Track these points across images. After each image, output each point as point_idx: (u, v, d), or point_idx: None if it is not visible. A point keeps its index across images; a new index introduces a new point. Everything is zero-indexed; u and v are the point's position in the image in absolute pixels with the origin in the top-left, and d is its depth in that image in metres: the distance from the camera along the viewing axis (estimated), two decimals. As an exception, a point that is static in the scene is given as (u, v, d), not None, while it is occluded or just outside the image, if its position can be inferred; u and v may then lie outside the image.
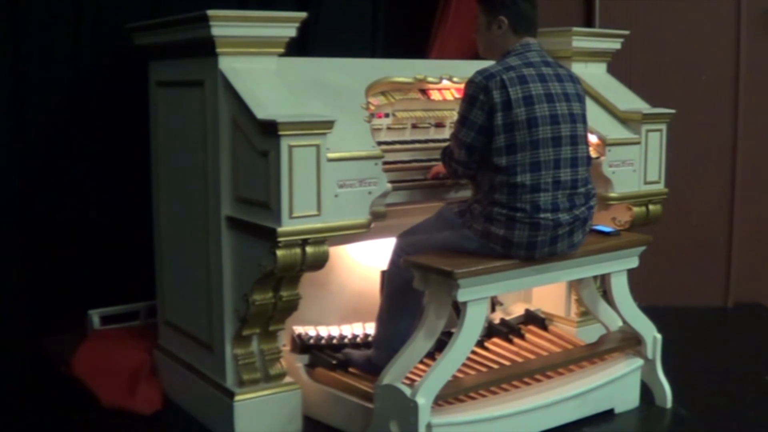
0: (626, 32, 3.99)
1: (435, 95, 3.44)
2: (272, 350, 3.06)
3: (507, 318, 3.69)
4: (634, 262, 3.28)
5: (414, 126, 3.43)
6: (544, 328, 3.65)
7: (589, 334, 3.68)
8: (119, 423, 3.21)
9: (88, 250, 3.72)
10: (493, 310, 3.77)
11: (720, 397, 3.51)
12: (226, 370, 3.03)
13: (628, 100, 3.81)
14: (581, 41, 3.84)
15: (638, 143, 3.65)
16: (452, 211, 3.03)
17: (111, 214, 3.73)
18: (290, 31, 2.97)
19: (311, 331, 3.32)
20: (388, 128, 3.37)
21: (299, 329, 3.30)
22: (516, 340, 3.53)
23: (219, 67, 2.89)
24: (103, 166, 3.71)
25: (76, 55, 3.63)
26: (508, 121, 2.84)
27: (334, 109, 2.94)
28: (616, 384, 3.24)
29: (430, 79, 3.42)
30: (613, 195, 3.61)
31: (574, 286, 3.56)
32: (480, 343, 3.40)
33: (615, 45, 3.97)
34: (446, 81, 3.45)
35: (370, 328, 3.29)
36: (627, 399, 3.32)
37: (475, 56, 3.45)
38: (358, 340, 3.35)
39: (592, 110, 3.57)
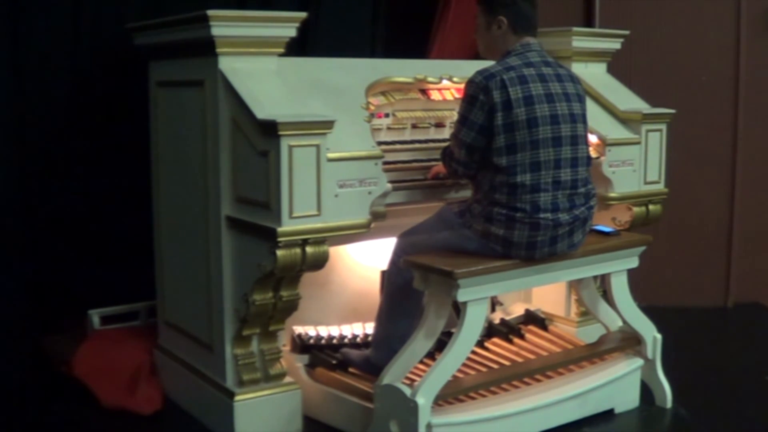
0: (626, 32, 3.99)
1: (435, 95, 3.44)
2: (272, 350, 3.06)
3: (507, 318, 3.69)
4: (634, 262, 3.28)
5: (414, 126, 3.43)
6: (544, 328, 3.65)
7: (589, 334, 3.67)
8: (119, 423, 3.20)
9: (88, 250, 3.72)
10: (493, 310, 3.76)
11: (720, 397, 3.51)
12: (226, 370, 3.03)
13: (628, 100, 3.81)
14: (581, 41, 3.84)
15: (638, 143, 3.65)
16: (452, 211, 3.02)
17: (111, 214, 3.72)
18: (290, 31, 2.98)
19: (311, 331, 3.32)
20: (388, 128, 3.37)
21: (299, 329, 3.30)
22: (516, 340, 3.53)
23: (219, 67, 2.89)
24: (103, 166, 3.71)
25: (76, 55, 3.63)
26: (508, 121, 2.84)
27: (334, 109, 2.94)
28: (616, 384, 3.24)
29: (430, 79, 3.42)
30: (613, 195, 3.61)
31: (574, 286, 3.56)
32: (480, 343, 3.40)
33: (615, 45, 3.97)
34: (446, 81, 3.45)
35: (370, 328, 3.29)
36: (627, 399, 3.32)
37: (475, 56, 3.45)
38: (358, 340, 3.35)
39: (592, 110, 3.57)
